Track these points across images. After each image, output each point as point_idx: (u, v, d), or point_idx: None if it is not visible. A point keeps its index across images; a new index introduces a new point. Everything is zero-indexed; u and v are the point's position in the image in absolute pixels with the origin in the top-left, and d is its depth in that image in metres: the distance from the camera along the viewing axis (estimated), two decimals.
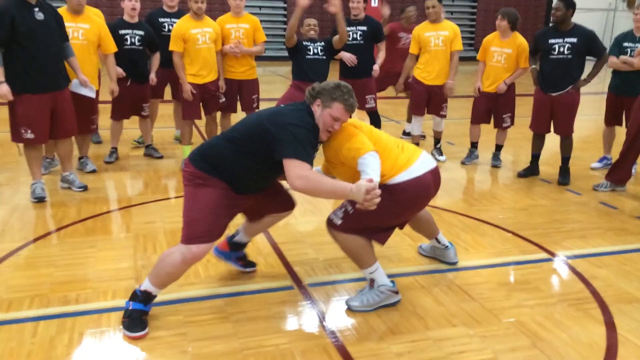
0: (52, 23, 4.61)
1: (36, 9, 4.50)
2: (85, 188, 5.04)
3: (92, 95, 5.23)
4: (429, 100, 6.18)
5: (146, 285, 2.88)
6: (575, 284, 3.53)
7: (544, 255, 3.94)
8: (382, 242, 3.13)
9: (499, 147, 6.18)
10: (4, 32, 4.34)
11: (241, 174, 2.87)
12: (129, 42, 5.71)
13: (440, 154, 6.38)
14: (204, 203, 2.82)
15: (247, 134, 2.84)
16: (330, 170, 3.22)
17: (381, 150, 2.97)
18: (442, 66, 6.02)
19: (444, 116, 6.24)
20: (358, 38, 5.99)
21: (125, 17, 5.72)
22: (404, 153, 3.04)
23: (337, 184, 2.71)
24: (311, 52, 5.61)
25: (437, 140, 6.38)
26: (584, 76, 5.40)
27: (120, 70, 5.64)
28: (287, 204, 3.32)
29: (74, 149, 5.21)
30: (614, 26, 20.94)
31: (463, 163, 6.19)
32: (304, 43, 5.64)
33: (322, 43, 5.65)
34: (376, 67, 6.13)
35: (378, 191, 2.57)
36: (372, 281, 3.11)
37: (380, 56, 6.25)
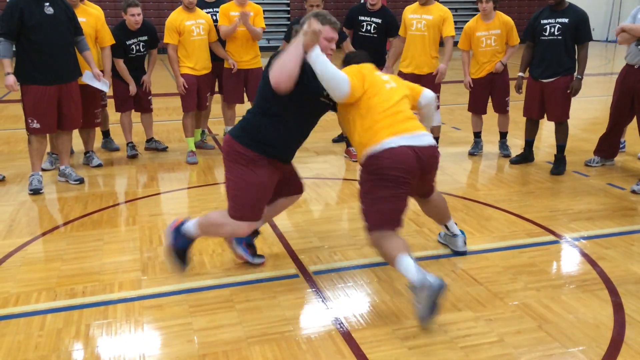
0: (62, 17, 4.71)
1: (47, 4, 4.61)
2: (81, 181, 5.07)
3: (105, 89, 5.30)
4: None
5: (190, 228, 3.19)
6: (582, 266, 3.50)
7: (551, 237, 3.92)
8: (394, 226, 3.02)
9: (503, 135, 5.97)
10: (13, 26, 4.52)
11: (288, 134, 3.06)
12: (134, 51, 5.73)
13: None
14: (252, 186, 3.03)
15: (265, 94, 3.00)
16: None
17: (365, 111, 3.03)
18: (421, 54, 5.54)
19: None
20: (372, 30, 5.78)
21: (128, 26, 5.67)
22: (389, 126, 2.97)
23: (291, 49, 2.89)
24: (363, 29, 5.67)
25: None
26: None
27: (132, 89, 5.73)
28: (299, 187, 3.47)
29: (90, 141, 5.38)
30: (622, 6, 20.63)
31: (471, 154, 5.99)
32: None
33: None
34: (389, 65, 5.79)
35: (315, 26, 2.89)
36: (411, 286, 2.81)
37: (391, 55, 5.88)
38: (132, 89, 5.74)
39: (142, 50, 5.79)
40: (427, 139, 3.08)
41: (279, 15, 18.13)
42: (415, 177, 3.04)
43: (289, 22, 16.49)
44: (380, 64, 5.74)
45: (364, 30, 5.80)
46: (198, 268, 3.45)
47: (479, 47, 5.67)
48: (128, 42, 5.66)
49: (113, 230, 4.08)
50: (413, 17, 5.57)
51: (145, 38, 5.76)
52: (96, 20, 5.27)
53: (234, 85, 5.88)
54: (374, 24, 5.78)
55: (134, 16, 5.57)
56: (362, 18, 5.79)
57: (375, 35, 5.80)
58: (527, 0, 20.80)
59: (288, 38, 5.75)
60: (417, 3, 5.65)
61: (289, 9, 18.10)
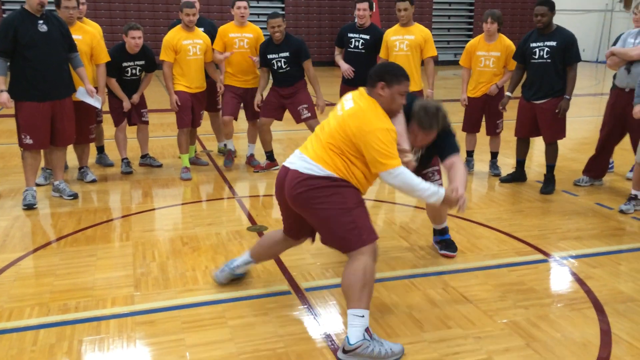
0: (56, 35, 4.77)
1: (41, 22, 4.68)
2: (75, 196, 5.10)
3: (98, 105, 5.35)
4: None
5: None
6: (570, 285, 3.56)
7: (540, 256, 3.98)
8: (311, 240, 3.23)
9: (494, 155, 6.07)
10: (6, 43, 4.59)
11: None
12: (129, 74, 5.79)
13: None
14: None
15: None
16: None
17: None
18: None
19: None
20: (360, 47, 5.87)
21: (128, 49, 5.73)
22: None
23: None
24: (275, 67, 5.73)
25: None
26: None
27: (126, 104, 5.78)
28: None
29: (85, 156, 5.43)
30: (612, 27, 20.96)
31: None
32: (268, 56, 5.72)
33: (287, 54, 5.68)
34: None
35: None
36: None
37: None
38: (126, 105, 5.80)
39: (137, 73, 5.84)
40: (297, 164, 2.87)
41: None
42: (281, 199, 2.99)
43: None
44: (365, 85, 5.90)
45: (352, 46, 5.90)
46: (191, 284, 3.48)
47: (477, 66, 5.78)
48: (124, 64, 5.72)
49: (106, 245, 4.10)
50: (395, 39, 5.67)
51: (142, 62, 5.82)
52: (92, 37, 5.34)
53: (230, 99, 5.95)
54: (362, 40, 5.89)
55: (135, 39, 5.64)
56: (350, 35, 5.88)
57: (363, 51, 5.89)
58: (529, 27, 21.06)
59: (341, 44, 5.97)
60: (397, 25, 5.77)
61: (283, 13, 18.33)
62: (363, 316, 2.66)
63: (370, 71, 2.96)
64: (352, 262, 2.75)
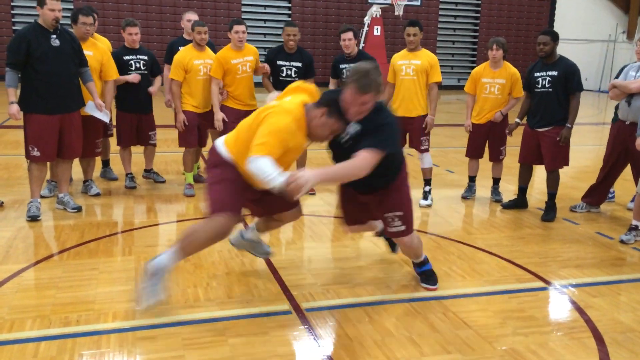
0: (67, 50, 4.87)
1: (53, 36, 4.78)
2: (79, 209, 5.13)
3: (106, 119, 5.41)
4: (406, 132, 5.72)
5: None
6: (570, 313, 3.57)
7: (540, 284, 3.99)
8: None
9: (496, 181, 6.10)
10: (19, 57, 4.69)
11: None
12: (133, 67, 5.87)
13: (425, 197, 5.83)
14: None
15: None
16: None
17: None
18: (412, 96, 5.60)
19: (426, 150, 5.76)
20: None
21: (127, 45, 5.88)
22: None
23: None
24: (284, 74, 5.77)
25: (425, 181, 5.86)
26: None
27: (132, 78, 5.81)
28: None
29: (90, 170, 5.51)
30: (614, 57, 21.18)
31: (464, 197, 6.11)
32: (278, 62, 5.78)
33: (300, 64, 5.78)
34: None
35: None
36: None
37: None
38: (132, 78, 5.79)
39: (141, 68, 5.90)
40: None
41: (280, 25, 18.62)
42: None
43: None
44: None
45: (344, 77, 5.89)
46: (192, 301, 3.49)
47: (482, 93, 5.83)
48: (125, 58, 5.81)
49: (109, 259, 4.12)
50: (402, 63, 5.70)
51: (145, 57, 5.92)
52: (102, 54, 5.43)
53: (231, 123, 5.90)
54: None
55: (132, 35, 5.80)
56: (342, 65, 5.90)
57: None
58: (532, 55, 21.23)
59: (335, 75, 5.96)
60: (405, 50, 5.79)
61: (290, 20, 18.56)
62: (175, 253, 3.24)
63: (327, 93, 3.27)
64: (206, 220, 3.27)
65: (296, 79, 5.73)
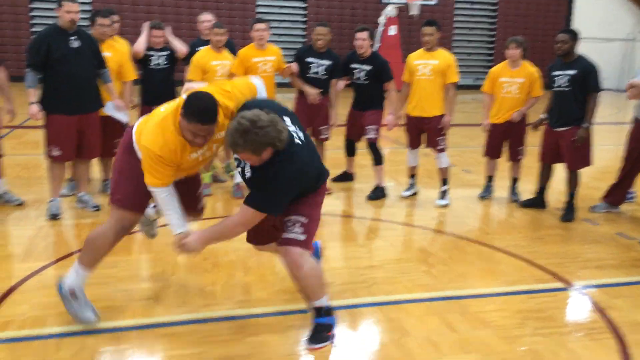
0: (86, 51, 4.94)
1: (72, 37, 4.85)
2: (98, 208, 5.19)
3: (126, 120, 5.46)
4: (423, 132, 5.78)
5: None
6: (591, 314, 3.53)
7: (560, 284, 3.95)
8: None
9: (515, 181, 6.03)
10: (39, 58, 4.76)
11: None
12: (152, 63, 5.91)
13: (443, 197, 5.78)
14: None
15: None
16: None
17: None
18: (428, 96, 5.61)
19: (442, 150, 5.72)
20: (362, 78, 5.86)
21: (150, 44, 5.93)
22: None
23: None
24: (312, 71, 5.82)
25: (442, 181, 5.81)
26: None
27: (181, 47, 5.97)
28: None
29: (108, 169, 5.48)
30: (634, 56, 20.90)
31: (481, 197, 6.03)
32: (306, 60, 5.84)
33: (329, 63, 5.83)
34: (390, 117, 5.90)
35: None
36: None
37: (389, 102, 5.95)
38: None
39: (161, 63, 5.90)
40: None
41: (296, 25, 18.73)
42: None
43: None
44: (375, 102, 5.98)
45: (355, 77, 5.91)
46: (210, 298, 3.51)
47: (500, 93, 5.76)
48: (146, 53, 5.86)
49: (127, 258, 4.16)
50: (419, 63, 5.68)
51: (166, 53, 5.95)
52: (121, 56, 5.49)
53: None
54: (364, 71, 5.85)
55: (156, 37, 5.85)
56: (353, 65, 5.89)
57: (367, 82, 5.87)
58: (550, 54, 21.06)
59: (344, 74, 6.03)
60: (421, 49, 5.77)
61: (305, 19, 18.63)
62: (76, 272, 3.19)
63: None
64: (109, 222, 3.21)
65: (325, 77, 5.87)
